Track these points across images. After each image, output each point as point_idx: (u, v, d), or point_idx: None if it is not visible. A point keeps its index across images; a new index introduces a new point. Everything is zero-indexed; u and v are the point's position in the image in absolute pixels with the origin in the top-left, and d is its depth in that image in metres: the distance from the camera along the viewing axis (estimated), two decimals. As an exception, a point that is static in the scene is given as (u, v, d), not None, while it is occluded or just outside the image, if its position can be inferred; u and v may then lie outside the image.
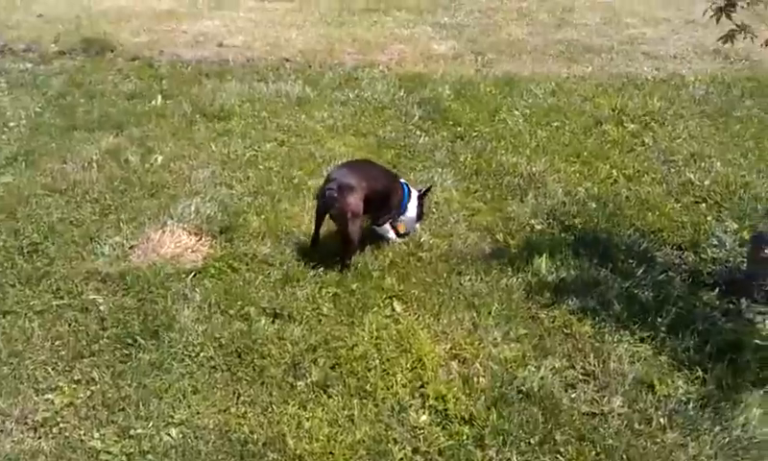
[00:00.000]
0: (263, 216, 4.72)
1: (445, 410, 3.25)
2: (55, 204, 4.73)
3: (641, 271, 4.30)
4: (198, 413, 3.20)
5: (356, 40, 8.61)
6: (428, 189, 4.80)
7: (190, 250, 4.36)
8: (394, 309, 3.92)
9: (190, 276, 4.07)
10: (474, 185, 5.33)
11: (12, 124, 5.86)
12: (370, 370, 3.46)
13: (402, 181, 4.66)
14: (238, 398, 3.29)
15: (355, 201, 4.16)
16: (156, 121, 6.02)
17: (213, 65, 7.52)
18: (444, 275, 4.24)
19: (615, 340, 3.75)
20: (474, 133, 6.20)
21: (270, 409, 3.22)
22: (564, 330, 3.84)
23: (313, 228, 4.40)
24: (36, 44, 7.91)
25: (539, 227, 4.84)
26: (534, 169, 5.58)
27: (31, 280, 3.98)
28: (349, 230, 4.16)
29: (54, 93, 6.58)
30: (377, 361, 3.51)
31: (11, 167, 5.18)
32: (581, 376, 3.53)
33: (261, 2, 10.11)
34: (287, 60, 7.85)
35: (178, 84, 6.87)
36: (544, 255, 4.42)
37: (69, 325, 3.67)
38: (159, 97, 6.51)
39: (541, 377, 3.46)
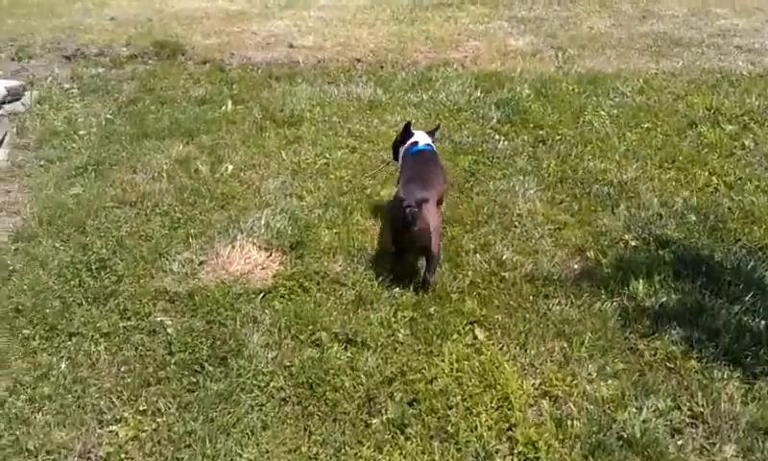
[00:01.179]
0: (335, 230, 4.48)
1: (537, 458, 2.92)
2: (124, 216, 4.61)
3: (750, 295, 3.85)
4: (267, 452, 2.97)
5: (429, 38, 8.30)
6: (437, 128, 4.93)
7: (260, 267, 4.16)
8: (475, 337, 3.61)
9: (260, 296, 3.86)
10: (560, 195, 4.96)
11: (82, 132, 5.80)
12: (451, 407, 3.17)
13: (422, 144, 4.51)
14: (309, 436, 3.04)
15: (434, 212, 3.93)
16: (226, 128, 5.88)
17: (283, 68, 7.35)
18: (530, 298, 3.90)
19: (725, 376, 3.34)
20: (558, 137, 5.81)
21: (343, 451, 2.97)
22: (668, 365, 3.45)
23: (393, 248, 4.14)
24: (109, 48, 7.92)
25: (633, 243, 4.43)
26: (625, 176, 5.17)
27: (98, 299, 3.85)
28: (434, 244, 3.87)
29: (125, 99, 6.52)
30: (459, 398, 3.21)
31: (80, 177, 5.10)
32: (688, 419, 3.14)
33: (332, 0, 9.90)
34: (358, 61, 7.61)
35: (248, 89, 6.72)
36: (641, 277, 4.03)
37: (136, 349, 3.51)
38: (230, 102, 6.36)
39: (644, 421, 3.09)
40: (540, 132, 5.91)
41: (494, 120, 6.09)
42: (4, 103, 5.85)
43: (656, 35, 8.49)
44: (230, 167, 5.22)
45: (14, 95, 6.17)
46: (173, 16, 9.11)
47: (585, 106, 6.42)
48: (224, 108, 6.28)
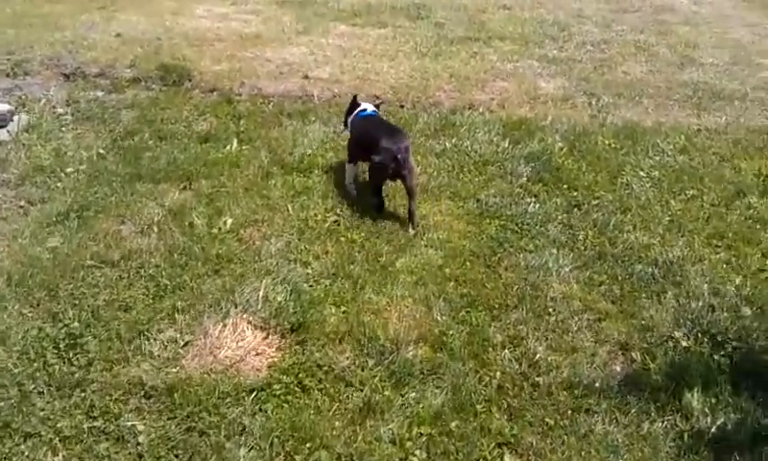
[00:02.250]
0: (342, 308, 3.92)
1: None
2: (104, 280, 4.04)
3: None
4: None
5: (453, 76, 7.73)
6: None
7: (254, 352, 3.59)
8: (505, 466, 3.05)
9: (251, 396, 3.29)
10: (599, 276, 4.38)
11: (69, 169, 5.22)
12: None
13: (369, 110, 5.35)
14: None
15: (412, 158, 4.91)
16: (228, 172, 5.30)
17: (296, 102, 6.78)
18: (569, 412, 3.33)
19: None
20: (594, 201, 5.24)
21: None
22: (732, 515, 2.88)
23: (375, 194, 4.92)
24: (111, 68, 7.35)
25: (684, 342, 3.85)
26: (670, 255, 4.60)
27: (63, 389, 3.28)
28: (415, 183, 4.86)
29: (121, 131, 5.95)
30: None
31: (61, 226, 4.53)
32: None
33: (352, 27, 9.35)
34: (377, 98, 7.04)
35: (256, 126, 6.15)
36: (696, 388, 3.48)
37: (99, 461, 2.95)
38: (235, 141, 5.79)
39: None
40: (575, 194, 5.34)
41: (524, 177, 5.51)
42: (-16, 130, 5.29)
43: (695, 84, 7.89)
44: (230, 221, 4.66)
45: (1, 121, 5.60)
46: (183, 36, 8.55)
47: (623, 164, 5.84)
48: (228, 147, 5.71)
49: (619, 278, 4.38)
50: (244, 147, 5.75)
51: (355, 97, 5.48)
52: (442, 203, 5.11)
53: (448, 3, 10.78)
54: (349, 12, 10.01)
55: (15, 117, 5.90)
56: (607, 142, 6.23)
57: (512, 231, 4.80)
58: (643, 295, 4.23)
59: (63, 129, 5.94)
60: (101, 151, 5.56)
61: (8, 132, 5.62)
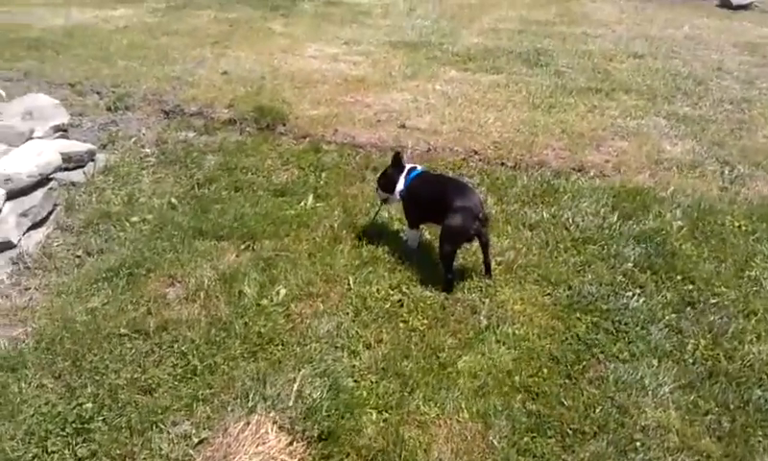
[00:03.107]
0: (384, 416, 3.37)
1: None
2: (132, 353, 3.72)
3: None
4: None
5: (566, 131, 7.01)
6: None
7: (272, 462, 3.13)
8: None
9: (253, 526, 2.82)
10: (706, 402, 3.57)
11: (135, 218, 5.03)
12: None
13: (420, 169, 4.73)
14: None
15: None
16: (295, 233, 4.91)
17: (386, 155, 6.31)
18: None
19: None
20: (713, 299, 4.38)
21: None
22: None
23: (449, 267, 4.33)
24: (209, 108, 7.24)
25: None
26: (800, 381, 3.71)
27: (56, 485, 2.97)
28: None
29: (201, 177, 5.73)
30: None
31: (107, 284, 4.29)
32: None
33: (463, 72, 8.83)
34: (475, 153, 6.48)
35: (337, 180, 5.75)
36: None
37: None
38: (311, 197, 5.40)
39: None
40: (690, 287, 4.50)
41: (630, 262, 4.73)
42: (57, 170, 5.13)
43: None
44: (282, 293, 4.24)
45: (77, 162, 5.48)
46: (287, 77, 8.37)
47: (753, 253, 4.91)
48: (302, 203, 5.34)
49: (731, 406, 3.55)
50: (318, 205, 5.35)
51: (398, 153, 4.75)
52: (525, 287, 4.44)
53: (573, 49, 10.02)
54: (463, 56, 9.50)
55: (98, 156, 5.82)
56: (737, 224, 5.30)
57: (605, 332, 4.07)
58: (759, 432, 3.39)
59: (144, 171, 5.81)
60: (173, 200, 5.34)
61: (84, 173, 5.51)
